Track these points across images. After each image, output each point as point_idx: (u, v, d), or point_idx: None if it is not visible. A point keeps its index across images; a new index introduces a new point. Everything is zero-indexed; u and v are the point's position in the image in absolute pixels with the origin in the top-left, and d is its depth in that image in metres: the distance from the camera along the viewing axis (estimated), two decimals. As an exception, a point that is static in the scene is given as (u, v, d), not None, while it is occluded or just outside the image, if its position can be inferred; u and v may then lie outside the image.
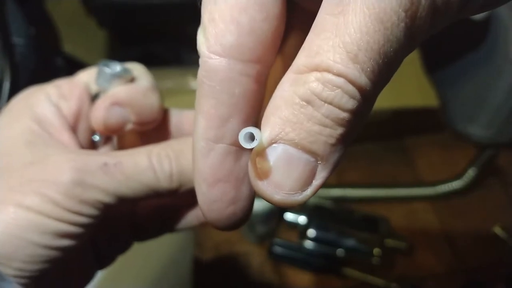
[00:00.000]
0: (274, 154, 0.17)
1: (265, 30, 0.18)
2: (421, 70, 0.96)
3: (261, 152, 0.17)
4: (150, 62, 0.91)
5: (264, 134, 0.17)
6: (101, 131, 0.30)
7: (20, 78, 0.52)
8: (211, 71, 0.19)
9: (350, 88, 0.16)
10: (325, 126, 0.16)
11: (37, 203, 0.24)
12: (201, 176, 0.20)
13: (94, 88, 0.31)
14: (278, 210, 0.82)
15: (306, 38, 0.17)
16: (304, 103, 0.16)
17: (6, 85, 0.51)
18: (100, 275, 0.29)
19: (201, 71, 0.19)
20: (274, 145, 0.17)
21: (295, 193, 0.17)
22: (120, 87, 0.30)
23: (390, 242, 0.85)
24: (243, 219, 0.22)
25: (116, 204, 0.26)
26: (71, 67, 0.69)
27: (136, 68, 0.32)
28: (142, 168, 0.27)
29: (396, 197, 0.93)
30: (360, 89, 0.16)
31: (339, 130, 0.17)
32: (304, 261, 0.83)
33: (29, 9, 0.56)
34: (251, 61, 0.19)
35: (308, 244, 0.83)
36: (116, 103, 0.29)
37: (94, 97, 0.31)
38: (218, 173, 0.20)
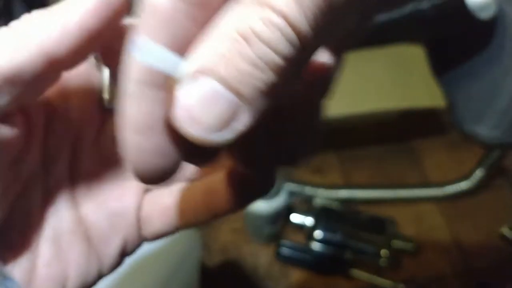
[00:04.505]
0: (197, 86, 0.16)
1: None
2: (428, 70, 0.96)
3: (183, 81, 0.16)
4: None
5: (191, 62, 0.16)
6: None
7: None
8: (151, 7, 0.17)
9: (289, 31, 0.15)
10: (257, 68, 0.15)
11: None
12: (130, 122, 0.18)
13: None
14: (284, 211, 0.82)
15: None
16: (240, 38, 0.15)
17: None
18: (105, 280, 0.28)
19: (142, 8, 0.17)
20: (200, 76, 0.16)
21: (212, 131, 0.16)
22: None
23: (397, 243, 0.84)
24: (171, 174, 0.19)
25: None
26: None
27: None
28: None
29: (403, 198, 0.93)
30: (298, 34, 0.15)
31: (271, 76, 0.16)
32: (311, 262, 0.83)
33: (35, 8, 0.56)
34: (197, 4, 0.17)
35: (315, 245, 0.83)
36: None
37: None
38: (148, 120, 0.18)
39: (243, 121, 0.16)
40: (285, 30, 0.15)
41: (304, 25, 0.15)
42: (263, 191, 0.25)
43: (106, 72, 0.26)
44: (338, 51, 0.21)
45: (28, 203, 0.23)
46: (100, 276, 0.26)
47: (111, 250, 0.26)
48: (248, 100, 0.16)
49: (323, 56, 0.21)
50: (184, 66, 0.16)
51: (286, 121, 0.21)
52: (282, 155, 0.22)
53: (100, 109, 0.26)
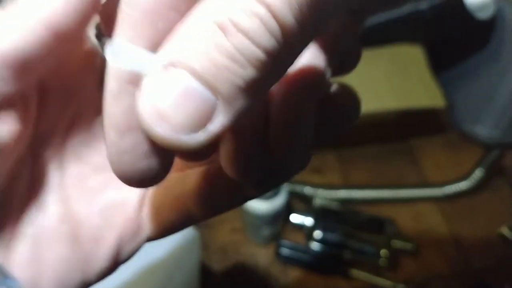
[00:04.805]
0: (168, 80, 0.14)
1: None
2: (427, 71, 0.96)
3: (153, 74, 0.14)
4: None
5: (161, 54, 0.14)
6: None
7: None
8: None
9: (272, 22, 0.14)
10: (235, 61, 0.14)
11: None
12: (111, 121, 0.16)
13: None
14: (284, 211, 0.82)
15: None
16: (217, 28, 0.14)
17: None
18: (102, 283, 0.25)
19: None
20: (171, 69, 0.14)
21: (183, 132, 0.14)
22: None
23: (396, 243, 0.84)
24: (159, 176, 0.18)
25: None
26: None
27: None
28: None
29: (402, 198, 0.93)
30: (282, 26, 0.14)
31: (250, 72, 0.14)
32: (310, 262, 0.83)
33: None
34: None
35: (315, 245, 0.83)
36: None
37: None
38: (132, 119, 0.16)
39: (218, 122, 0.15)
40: (267, 20, 0.14)
41: (288, 16, 0.14)
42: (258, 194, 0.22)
43: None
44: (333, 51, 0.20)
45: (10, 195, 0.21)
46: (85, 284, 0.23)
47: (103, 251, 0.22)
48: (225, 97, 0.14)
49: (313, 57, 0.19)
50: (154, 58, 0.15)
51: (274, 129, 0.19)
52: (272, 168, 0.20)
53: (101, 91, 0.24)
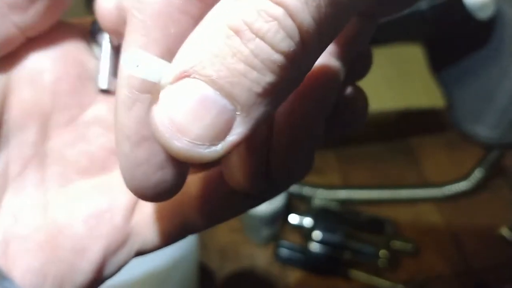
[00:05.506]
0: (184, 91, 0.13)
1: None
2: (427, 70, 0.96)
3: (166, 85, 0.14)
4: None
5: (175, 63, 0.14)
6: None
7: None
8: (144, 1, 0.14)
9: (289, 23, 0.13)
10: (253, 67, 0.13)
11: None
12: (123, 132, 0.15)
13: None
14: (283, 212, 0.82)
15: None
16: (232, 33, 0.13)
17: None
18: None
19: (132, 1, 0.15)
20: (186, 79, 0.13)
21: (202, 145, 0.14)
22: None
23: (396, 243, 0.84)
24: (174, 188, 0.17)
25: None
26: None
27: None
28: None
29: (402, 199, 0.92)
30: (300, 27, 0.13)
31: (269, 77, 0.13)
32: (310, 263, 0.82)
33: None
34: None
35: (314, 246, 0.83)
36: None
37: None
38: (145, 129, 0.15)
39: (238, 132, 0.14)
40: (284, 21, 0.13)
41: (306, 15, 0.13)
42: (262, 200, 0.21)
43: (106, 49, 0.22)
44: (347, 56, 0.19)
45: None
46: None
47: (85, 264, 0.20)
48: (244, 106, 0.13)
49: (327, 61, 0.19)
50: (169, 69, 0.14)
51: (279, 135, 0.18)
52: (274, 174, 0.19)
53: (93, 90, 0.22)
